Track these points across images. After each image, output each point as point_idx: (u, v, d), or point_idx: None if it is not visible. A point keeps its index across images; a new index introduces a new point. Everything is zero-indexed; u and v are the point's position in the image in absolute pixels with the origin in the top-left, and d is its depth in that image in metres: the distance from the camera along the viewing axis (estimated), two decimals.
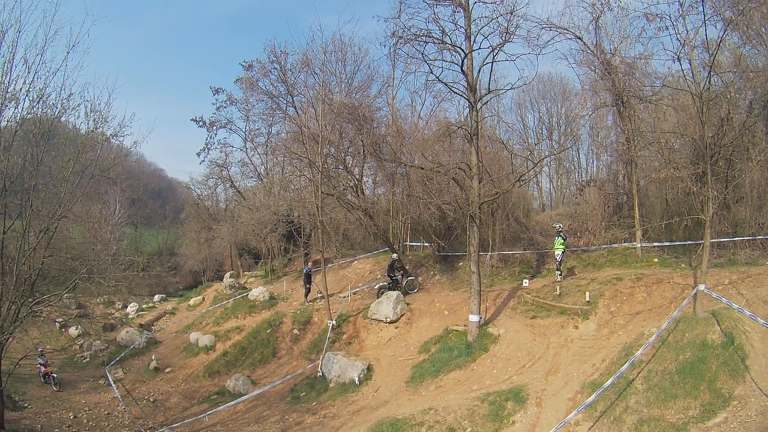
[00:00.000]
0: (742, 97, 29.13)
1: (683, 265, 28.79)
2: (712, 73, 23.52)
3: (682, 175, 29.01)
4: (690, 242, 29.92)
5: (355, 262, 49.36)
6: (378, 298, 37.12)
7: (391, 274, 38.69)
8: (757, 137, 28.92)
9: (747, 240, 27.97)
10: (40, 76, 22.98)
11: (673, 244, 31.19)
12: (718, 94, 27.01)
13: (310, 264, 45.15)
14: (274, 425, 26.72)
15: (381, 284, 39.19)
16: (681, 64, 23.71)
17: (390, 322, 34.15)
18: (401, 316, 34.39)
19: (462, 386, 24.74)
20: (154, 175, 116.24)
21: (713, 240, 25.56)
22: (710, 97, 23.35)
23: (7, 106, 22.78)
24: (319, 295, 41.38)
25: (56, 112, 24.11)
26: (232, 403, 29.96)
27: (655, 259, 30.77)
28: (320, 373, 31.14)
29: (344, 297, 40.24)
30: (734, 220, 29.31)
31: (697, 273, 24.43)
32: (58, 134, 24.98)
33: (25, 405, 30.17)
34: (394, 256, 40.13)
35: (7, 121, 23.47)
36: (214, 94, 64.08)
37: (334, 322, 35.31)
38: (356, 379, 28.96)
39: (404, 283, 39.14)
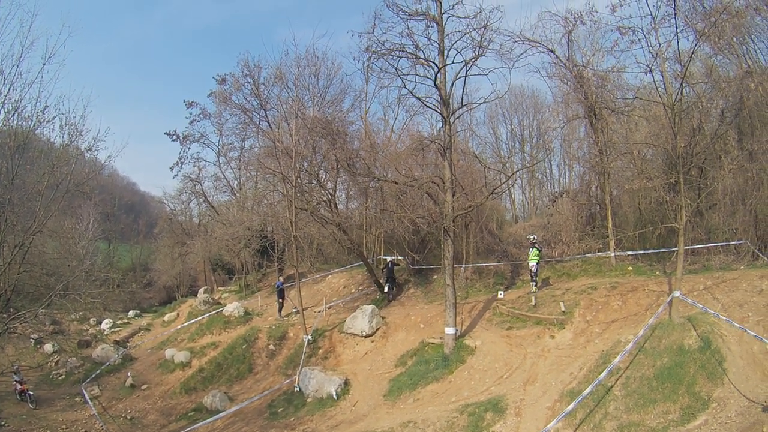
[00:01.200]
0: (714, 106, 29.58)
1: (657, 272, 29.11)
2: (684, 84, 23.83)
3: (655, 184, 29.34)
4: (664, 250, 30.26)
5: (330, 276, 49.10)
6: (388, 295, 39.35)
7: (392, 275, 39.74)
8: (728, 145, 29.39)
9: (720, 246, 28.36)
10: (16, 88, 22.90)
11: (647, 252, 31.51)
12: (690, 104, 27.35)
13: (281, 279, 45.05)
14: None
15: (389, 284, 39.86)
16: (653, 76, 23.99)
17: (366, 336, 34.02)
18: (377, 330, 34.27)
19: (440, 398, 24.73)
20: (126, 189, 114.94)
21: (687, 247, 25.83)
22: (682, 107, 23.59)
23: None
24: (294, 310, 41.23)
25: (31, 125, 23.94)
26: (209, 420, 29.63)
27: (630, 268, 31.00)
28: (297, 389, 30.93)
29: (319, 312, 40.10)
30: (707, 227, 29.67)
31: (671, 280, 24.62)
32: (32, 147, 24.71)
33: (2, 423, 29.55)
34: (391, 258, 41.24)
35: None
36: (187, 108, 62.79)
37: (309, 336, 35.13)
38: (334, 393, 28.82)
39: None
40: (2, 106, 22.80)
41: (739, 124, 29.82)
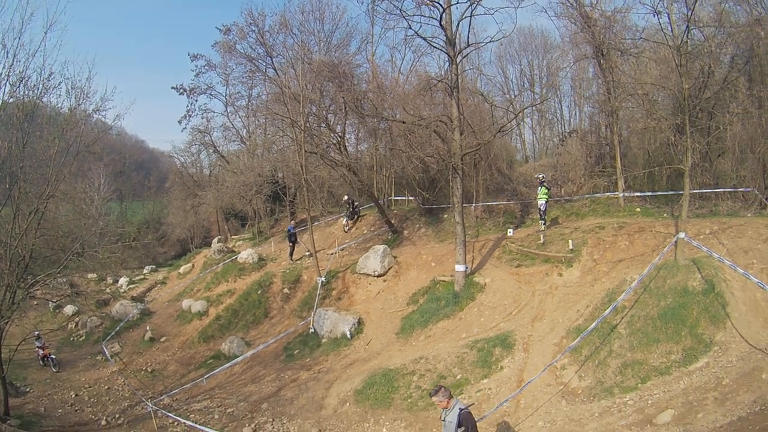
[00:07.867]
0: (724, 52, 29.35)
1: (665, 214, 29.35)
2: (691, 27, 23.70)
3: (663, 125, 29.38)
4: (672, 192, 30.44)
5: (341, 219, 49.33)
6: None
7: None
8: (739, 92, 29.22)
9: (728, 192, 28.53)
10: (20, 59, 22.91)
11: (655, 194, 31.73)
12: (697, 47, 27.21)
13: (292, 223, 45.50)
14: (271, 383, 27.30)
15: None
16: (659, 18, 23.89)
17: (378, 276, 34.62)
18: (389, 269, 34.83)
19: (451, 335, 25.42)
20: (135, 147, 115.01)
21: (695, 191, 26.07)
22: (688, 50, 23.53)
23: None
24: (307, 253, 41.76)
25: (38, 93, 24.09)
26: (228, 365, 30.43)
27: (638, 209, 31.31)
28: (312, 330, 31.69)
29: (332, 254, 40.69)
30: (716, 173, 29.80)
31: (678, 222, 24.77)
32: (40, 114, 24.93)
33: (27, 389, 30.39)
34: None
35: None
36: (192, 61, 63.31)
37: (323, 278, 35.76)
38: (347, 333, 29.54)
39: None
40: (7, 79, 22.93)
41: (750, 71, 29.63)
